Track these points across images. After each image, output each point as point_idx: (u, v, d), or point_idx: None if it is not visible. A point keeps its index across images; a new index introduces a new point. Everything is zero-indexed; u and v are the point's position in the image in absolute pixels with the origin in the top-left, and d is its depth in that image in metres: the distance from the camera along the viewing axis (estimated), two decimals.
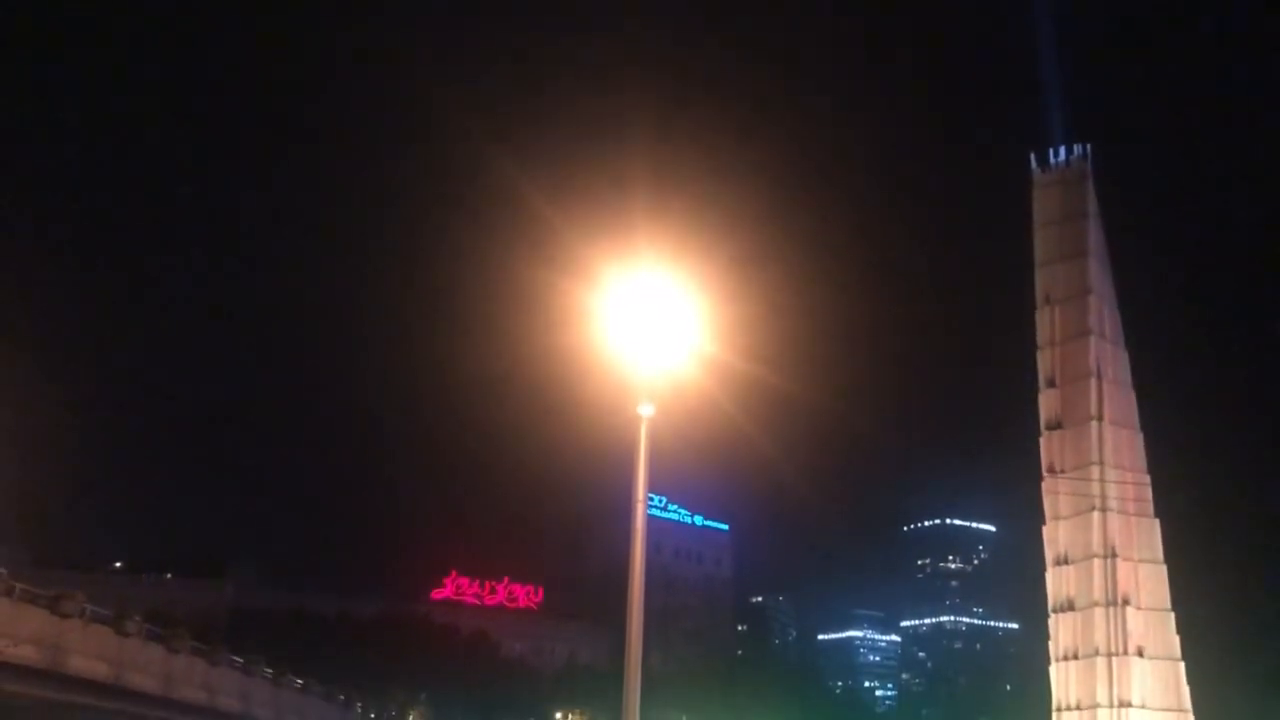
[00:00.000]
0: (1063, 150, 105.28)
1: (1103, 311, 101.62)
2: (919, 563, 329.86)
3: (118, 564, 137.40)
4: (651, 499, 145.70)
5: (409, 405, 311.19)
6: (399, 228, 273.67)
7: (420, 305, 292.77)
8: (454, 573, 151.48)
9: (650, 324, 20.53)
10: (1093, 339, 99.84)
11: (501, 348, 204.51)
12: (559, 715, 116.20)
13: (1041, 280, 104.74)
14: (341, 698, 61.93)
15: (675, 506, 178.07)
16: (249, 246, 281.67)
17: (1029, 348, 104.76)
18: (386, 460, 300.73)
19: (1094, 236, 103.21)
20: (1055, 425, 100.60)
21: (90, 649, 35.73)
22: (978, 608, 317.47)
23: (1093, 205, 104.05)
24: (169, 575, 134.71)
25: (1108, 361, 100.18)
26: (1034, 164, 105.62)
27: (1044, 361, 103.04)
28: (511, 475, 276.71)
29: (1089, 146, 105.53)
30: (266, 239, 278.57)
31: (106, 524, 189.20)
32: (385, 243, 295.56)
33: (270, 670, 51.30)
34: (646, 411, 20.88)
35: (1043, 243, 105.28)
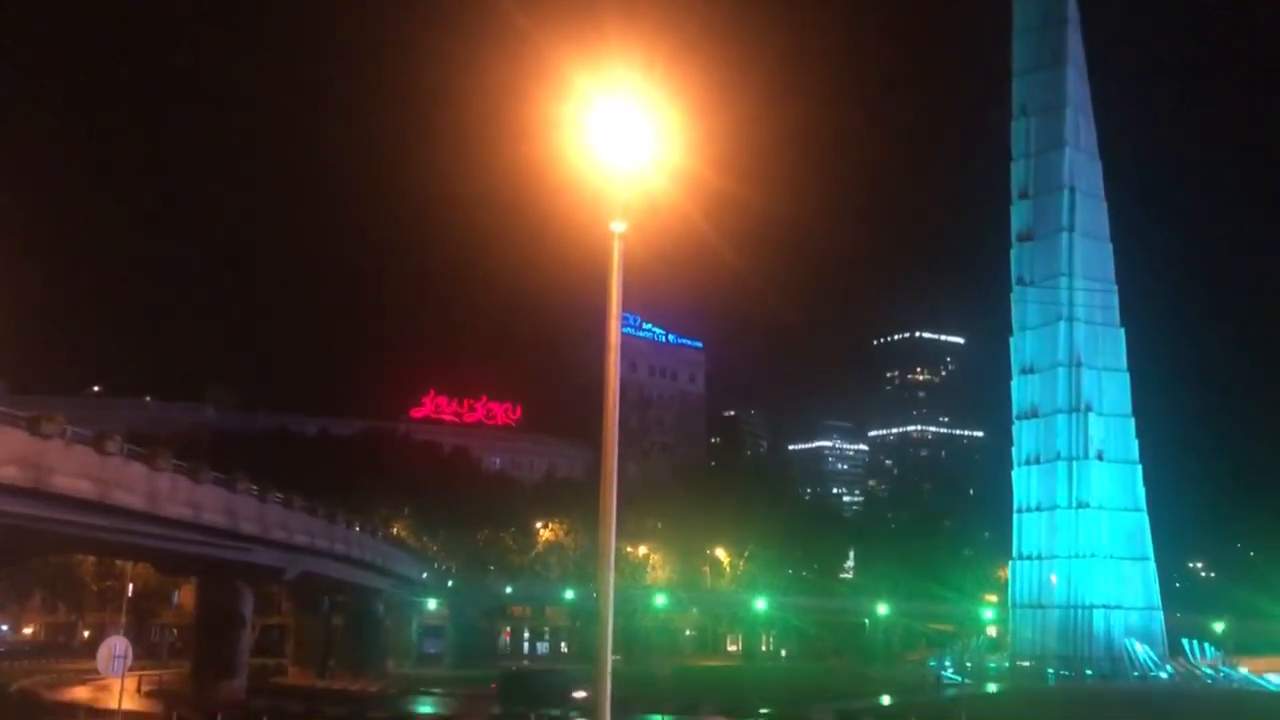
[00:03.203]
0: None
1: (1079, 123, 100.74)
2: (888, 375, 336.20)
3: (95, 388, 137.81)
4: (626, 318, 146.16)
5: (383, 222, 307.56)
6: (365, 35, 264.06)
7: (389, 116, 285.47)
8: (432, 392, 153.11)
9: (622, 135, 20.10)
10: (1067, 150, 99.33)
11: (474, 162, 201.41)
12: (539, 525, 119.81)
13: (1018, 90, 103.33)
14: (325, 512, 63.39)
15: (649, 325, 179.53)
16: (211, 64, 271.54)
17: (1003, 160, 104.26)
18: (362, 280, 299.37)
19: (1073, 44, 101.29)
20: (1026, 237, 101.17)
21: (73, 468, 36.13)
22: (944, 417, 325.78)
23: (1073, 11, 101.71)
24: (148, 398, 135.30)
25: (1081, 173, 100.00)
26: None
27: (1018, 173, 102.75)
28: (486, 294, 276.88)
29: None
30: (233, 57, 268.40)
31: (81, 350, 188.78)
32: (350, 53, 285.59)
33: (254, 487, 52.23)
34: (619, 228, 20.68)
35: (1021, 50, 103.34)
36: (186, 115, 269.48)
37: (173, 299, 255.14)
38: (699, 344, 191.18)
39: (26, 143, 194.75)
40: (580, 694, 48.30)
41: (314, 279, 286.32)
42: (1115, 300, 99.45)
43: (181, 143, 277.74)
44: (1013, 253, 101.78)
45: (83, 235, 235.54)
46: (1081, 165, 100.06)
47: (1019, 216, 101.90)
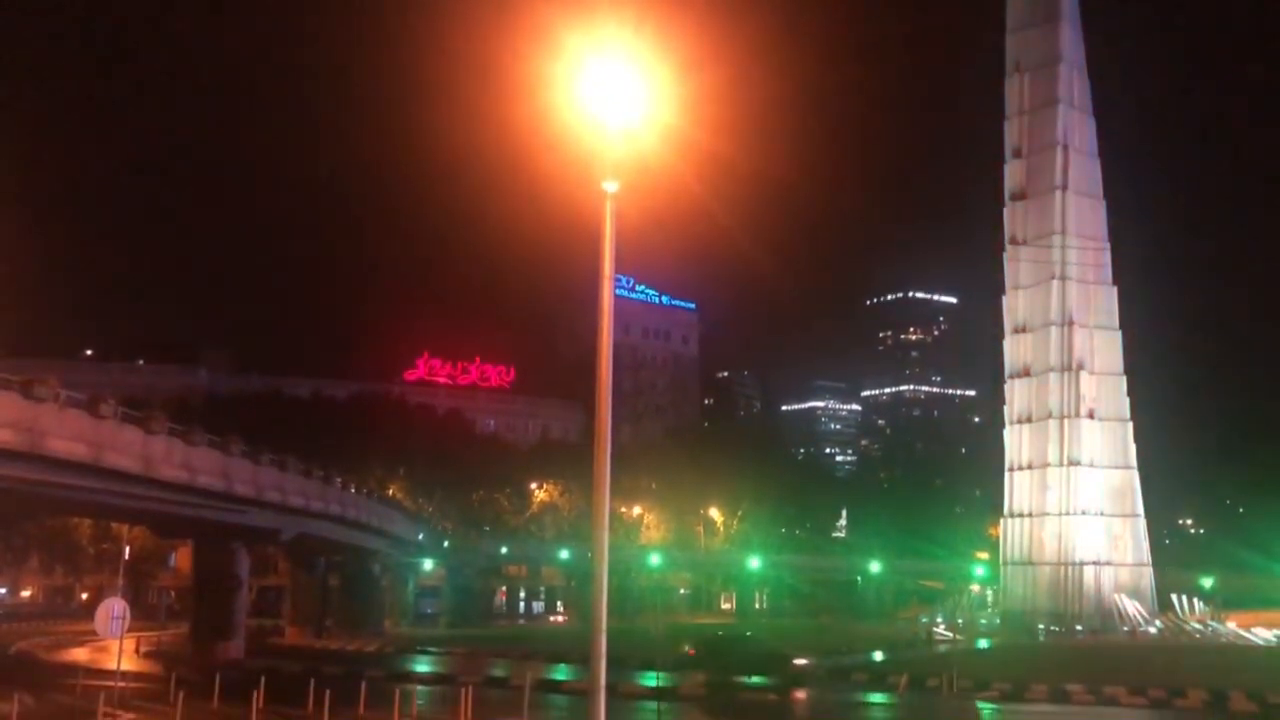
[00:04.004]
0: None
1: (1073, 79, 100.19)
2: (881, 335, 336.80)
3: (88, 352, 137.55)
4: (619, 280, 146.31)
5: (376, 184, 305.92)
6: None
7: (380, 77, 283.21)
8: (426, 354, 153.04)
9: (614, 94, 19.97)
10: (1061, 108, 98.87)
11: (465, 122, 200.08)
12: (534, 486, 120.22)
13: (1012, 46, 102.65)
14: (321, 474, 63.57)
15: (642, 287, 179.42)
16: (203, 24, 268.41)
17: (996, 118, 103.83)
18: (355, 243, 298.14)
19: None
20: (1019, 195, 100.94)
21: (67, 431, 36.12)
22: (936, 376, 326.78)
23: None
24: (141, 362, 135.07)
25: (1075, 130, 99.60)
26: None
27: (1011, 131, 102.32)
28: (479, 257, 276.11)
29: None
30: (226, 16, 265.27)
31: (74, 314, 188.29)
32: (340, 11, 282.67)
33: (249, 449, 52.32)
34: (611, 188, 20.61)
35: (1015, 5, 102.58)
36: (174, 73, 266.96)
37: (165, 263, 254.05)
38: (692, 306, 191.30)
39: (18, 105, 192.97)
40: (801, 661, 44.54)
41: (307, 242, 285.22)
42: (1108, 258, 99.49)
43: (173, 103, 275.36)
44: (1005, 211, 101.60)
45: (74, 199, 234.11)
46: (1075, 122, 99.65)
47: (1012, 175, 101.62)
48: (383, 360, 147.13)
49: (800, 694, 41.12)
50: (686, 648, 48.56)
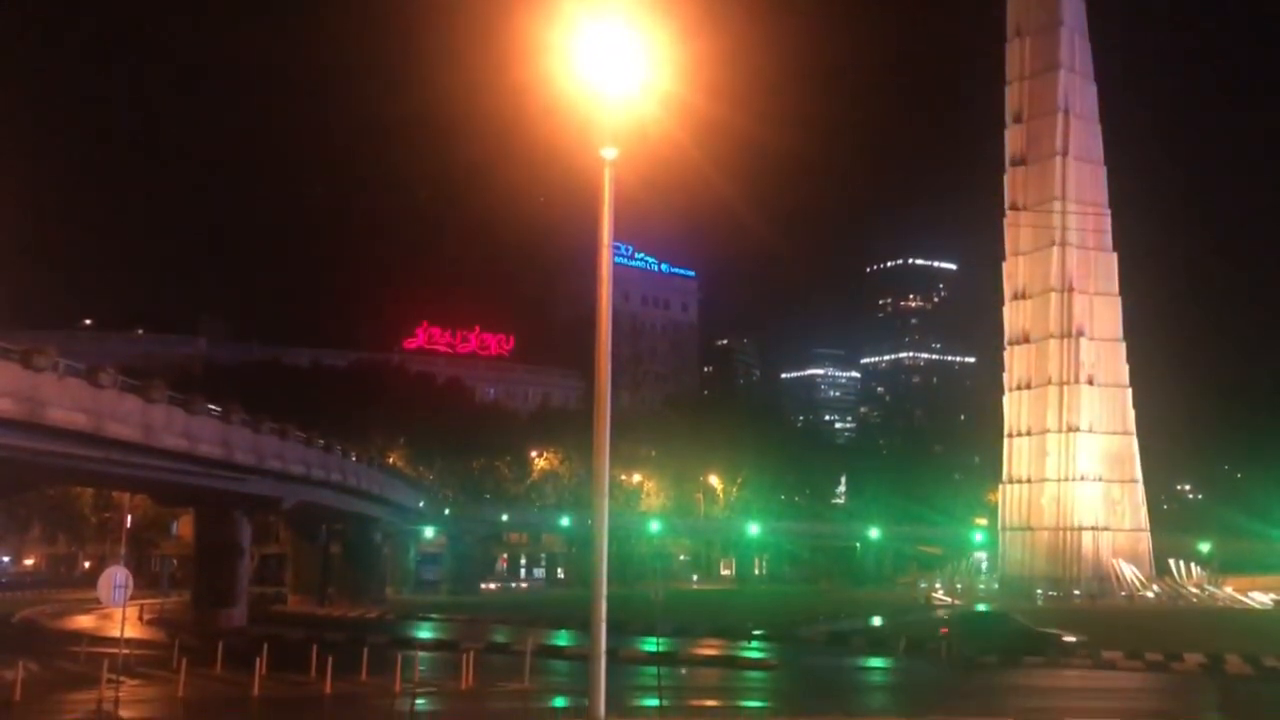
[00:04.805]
0: None
1: (1074, 43, 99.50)
2: (880, 302, 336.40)
3: (87, 321, 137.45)
4: (618, 247, 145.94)
5: (373, 152, 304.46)
6: None
7: (378, 43, 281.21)
8: (425, 323, 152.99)
9: (612, 60, 19.78)
10: (1062, 73, 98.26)
11: (462, 88, 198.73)
12: (534, 454, 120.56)
13: (1013, 10, 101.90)
14: (321, 442, 63.65)
15: (642, 255, 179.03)
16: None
17: (997, 84, 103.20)
18: (353, 212, 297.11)
19: None
20: (1020, 161, 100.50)
21: (67, 401, 36.05)
22: (936, 343, 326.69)
23: None
24: (140, 331, 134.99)
25: (1075, 95, 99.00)
26: None
27: (1012, 96, 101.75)
28: (477, 225, 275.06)
29: None
30: None
31: (72, 284, 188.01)
32: None
33: (249, 418, 52.33)
34: (610, 154, 20.49)
35: None
36: (174, 44, 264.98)
37: (164, 232, 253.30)
38: (692, 273, 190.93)
39: (14, 76, 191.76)
40: (1071, 639, 41.64)
41: (305, 211, 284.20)
42: (1109, 224, 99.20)
43: (170, 72, 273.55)
44: (1006, 177, 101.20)
45: (72, 168, 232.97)
46: (1076, 87, 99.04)
47: (1013, 140, 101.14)
48: (382, 329, 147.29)
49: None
50: (940, 628, 45.10)
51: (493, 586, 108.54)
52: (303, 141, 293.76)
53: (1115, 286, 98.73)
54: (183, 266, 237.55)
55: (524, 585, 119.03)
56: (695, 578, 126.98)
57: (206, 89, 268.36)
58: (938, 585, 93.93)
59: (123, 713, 24.86)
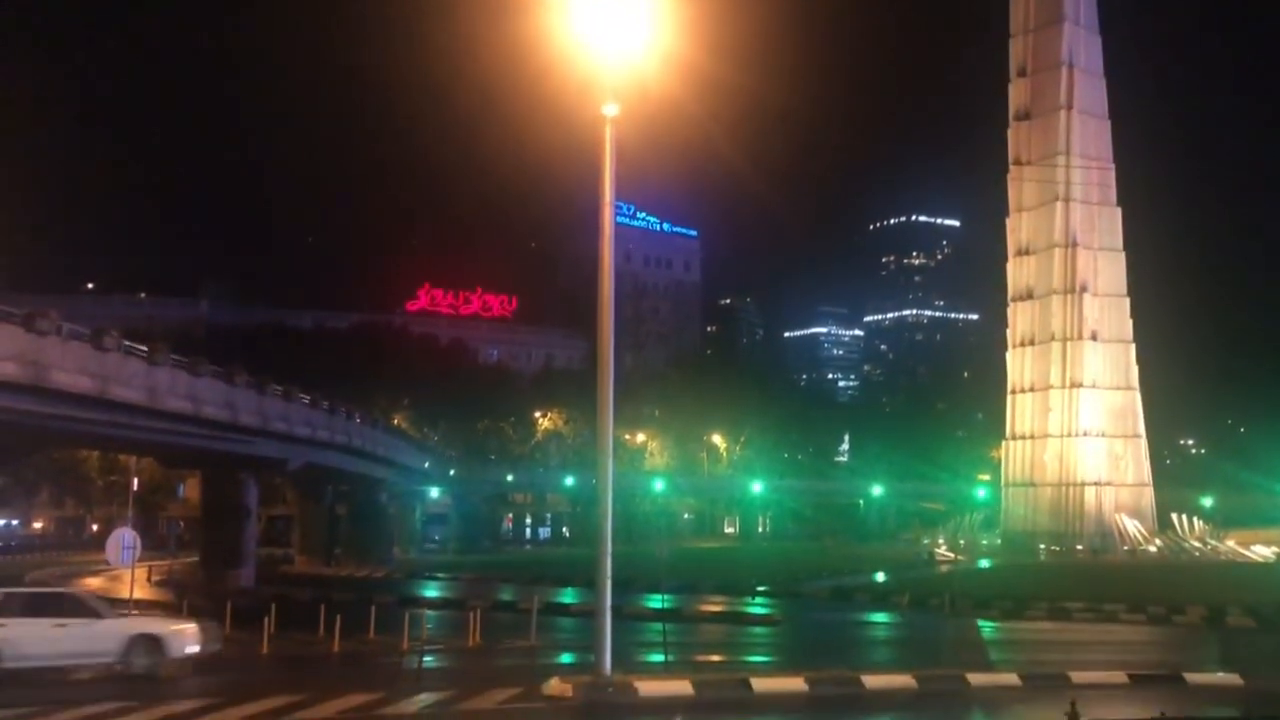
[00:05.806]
0: None
1: None
2: (883, 259, 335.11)
3: (89, 285, 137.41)
4: (620, 207, 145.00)
5: (374, 113, 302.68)
6: None
7: (379, 4, 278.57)
8: (427, 285, 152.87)
9: (613, 16, 19.60)
10: (1066, 25, 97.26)
11: (462, 46, 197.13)
12: (537, 415, 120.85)
13: None
14: (326, 404, 63.79)
15: (644, 214, 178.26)
16: None
17: (1001, 37, 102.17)
18: (354, 173, 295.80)
19: None
20: (1024, 116, 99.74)
21: (71, 364, 36.06)
22: (939, 300, 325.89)
23: None
24: (142, 294, 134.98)
25: (1080, 48, 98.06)
26: None
27: (1015, 49, 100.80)
28: (479, 185, 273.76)
29: None
30: None
31: (74, 248, 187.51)
32: None
33: (253, 380, 52.40)
34: (611, 112, 20.35)
35: None
36: (174, 6, 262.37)
37: (165, 194, 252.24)
38: (694, 233, 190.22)
39: (15, 40, 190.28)
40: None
41: (306, 172, 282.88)
42: (1113, 179, 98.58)
43: (170, 34, 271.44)
44: (1010, 132, 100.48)
45: (72, 131, 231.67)
46: (1081, 40, 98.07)
47: (1016, 95, 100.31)
48: (384, 291, 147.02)
49: None
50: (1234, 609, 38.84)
51: (499, 545, 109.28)
52: (304, 104, 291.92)
53: (1119, 241, 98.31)
54: (184, 230, 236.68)
55: (527, 547, 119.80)
56: (699, 536, 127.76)
57: (205, 48, 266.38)
58: (941, 541, 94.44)
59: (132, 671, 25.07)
